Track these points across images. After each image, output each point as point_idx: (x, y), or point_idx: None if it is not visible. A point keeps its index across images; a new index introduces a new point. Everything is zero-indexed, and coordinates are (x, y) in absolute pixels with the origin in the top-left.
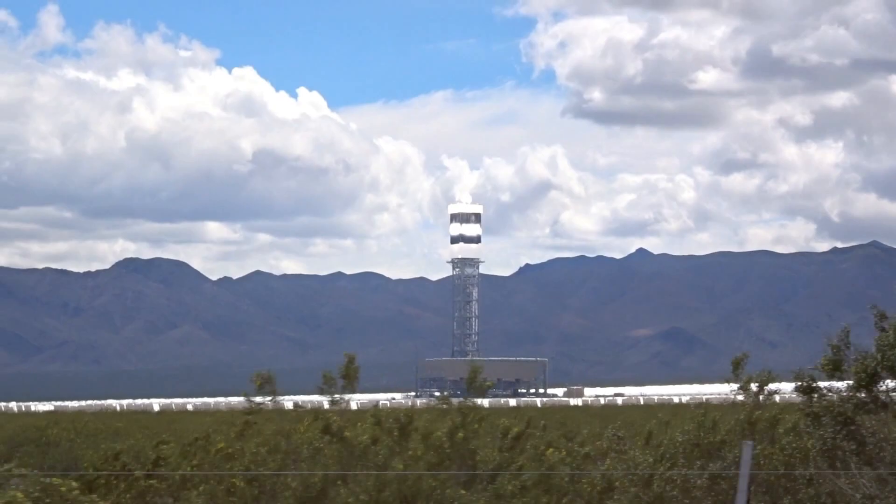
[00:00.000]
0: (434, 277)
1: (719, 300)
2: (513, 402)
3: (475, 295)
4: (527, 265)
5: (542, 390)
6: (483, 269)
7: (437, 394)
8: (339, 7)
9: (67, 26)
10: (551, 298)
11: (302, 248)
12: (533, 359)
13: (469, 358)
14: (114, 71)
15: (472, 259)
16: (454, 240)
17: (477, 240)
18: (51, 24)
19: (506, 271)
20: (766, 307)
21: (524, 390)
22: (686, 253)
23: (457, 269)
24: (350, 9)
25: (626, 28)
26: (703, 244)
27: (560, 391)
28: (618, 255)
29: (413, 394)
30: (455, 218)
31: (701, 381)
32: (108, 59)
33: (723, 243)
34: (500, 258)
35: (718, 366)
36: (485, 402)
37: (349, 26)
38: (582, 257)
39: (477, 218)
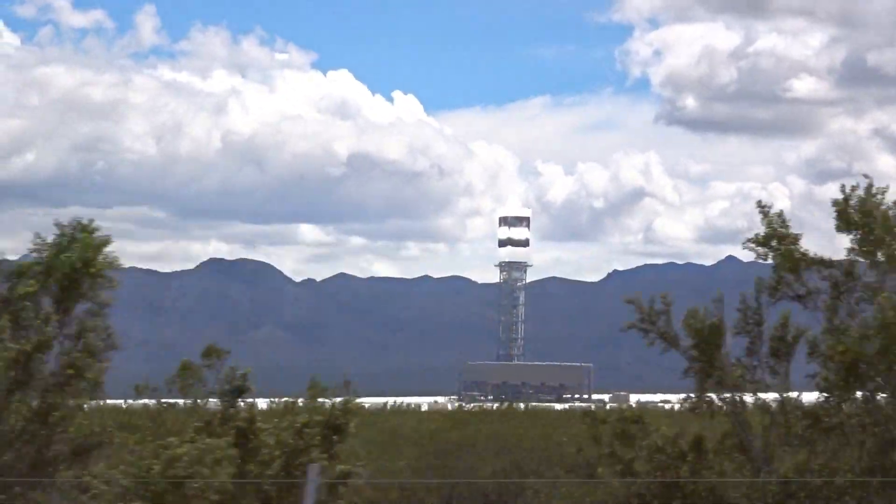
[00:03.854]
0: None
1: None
2: (558, 406)
3: (522, 299)
4: (615, 271)
5: (585, 395)
6: (571, 275)
7: (480, 397)
8: (437, 12)
9: (163, 28)
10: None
11: (394, 251)
12: (577, 364)
13: (513, 362)
14: (209, 72)
15: (520, 263)
16: (502, 243)
17: (525, 243)
18: (147, 25)
19: (595, 277)
20: None
21: (569, 395)
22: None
23: (504, 273)
24: (448, 14)
25: (721, 35)
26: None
27: (607, 396)
28: (707, 263)
29: (455, 397)
30: (503, 221)
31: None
32: (204, 60)
33: (817, 252)
34: (590, 264)
35: (801, 373)
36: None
37: (447, 31)
38: (671, 264)
39: (525, 222)
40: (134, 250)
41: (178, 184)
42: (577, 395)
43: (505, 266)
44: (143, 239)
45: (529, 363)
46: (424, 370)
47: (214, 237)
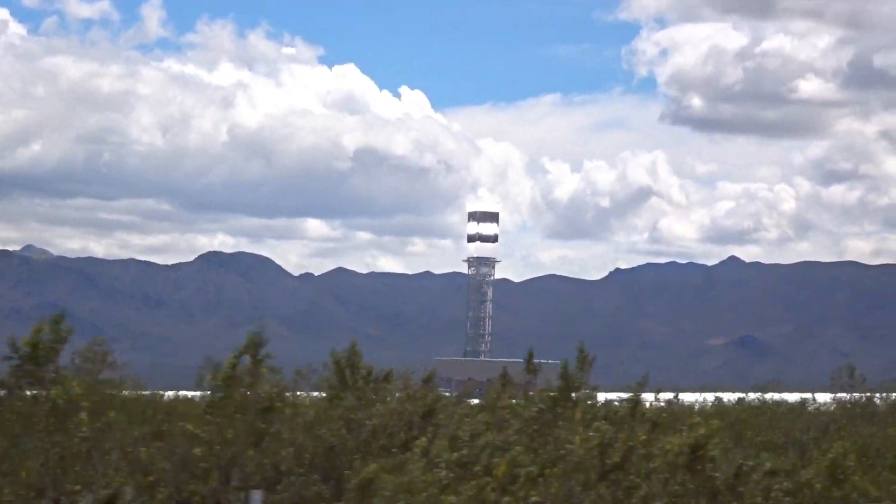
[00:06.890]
0: (518, 279)
1: (799, 310)
2: None
3: (490, 295)
4: (617, 270)
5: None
6: (574, 273)
7: (445, 393)
8: (445, 8)
9: (169, 20)
10: (635, 304)
11: (400, 247)
12: (546, 361)
13: (480, 359)
14: (215, 66)
15: (489, 258)
16: (471, 238)
17: (494, 239)
18: (153, 17)
19: (598, 275)
20: (844, 318)
21: None
22: (778, 262)
23: (472, 269)
24: (456, 10)
25: (728, 35)
26: (801, 254)
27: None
28: (709, 263)
29: None
30: (472, 216)
31: (765, 390)
32: (211, 53)
33: (822, 254)
34: (596, 262)
35: (788, 375)
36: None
37: (455, 28)
38: (672, 263)
39: (494, 217)
40: (139, 243)
41: (185, 177)
42: None
43: (473, 262)
44: (150, 231)
45: (495, 360)
46: (421, 366)
47: (221, 231)
